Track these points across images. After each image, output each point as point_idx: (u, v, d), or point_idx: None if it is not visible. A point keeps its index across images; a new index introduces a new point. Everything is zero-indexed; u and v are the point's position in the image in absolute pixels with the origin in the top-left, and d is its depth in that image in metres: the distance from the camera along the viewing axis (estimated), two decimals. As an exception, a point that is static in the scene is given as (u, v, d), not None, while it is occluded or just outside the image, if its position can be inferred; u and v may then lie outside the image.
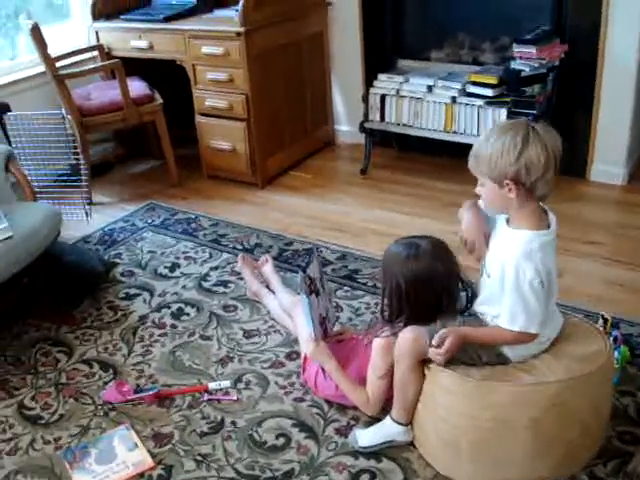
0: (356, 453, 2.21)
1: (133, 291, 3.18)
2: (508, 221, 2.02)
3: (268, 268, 3.11)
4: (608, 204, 3.75)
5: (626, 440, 2.18)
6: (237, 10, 3.79)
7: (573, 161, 3.92)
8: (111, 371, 2.68)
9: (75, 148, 3.83)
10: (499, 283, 1.98)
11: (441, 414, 2.07)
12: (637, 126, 3.88)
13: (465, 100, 3.78)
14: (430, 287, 2.12)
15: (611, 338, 2.40)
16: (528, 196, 1.92)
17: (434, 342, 2.00)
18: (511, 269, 1.92)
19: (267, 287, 3.02)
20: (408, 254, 2.12)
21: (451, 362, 2.05)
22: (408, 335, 2.09)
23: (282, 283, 3.00)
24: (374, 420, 2.30)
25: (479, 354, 2.04)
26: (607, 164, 3.87)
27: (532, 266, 1.90)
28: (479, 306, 2.13)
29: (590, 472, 2.08)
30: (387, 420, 2.23)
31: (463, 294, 2.21)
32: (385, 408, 2.26)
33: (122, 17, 4.28)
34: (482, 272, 2.11)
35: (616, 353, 2.38)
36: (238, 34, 3.77)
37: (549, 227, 1.98)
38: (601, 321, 2.49)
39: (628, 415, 2.28)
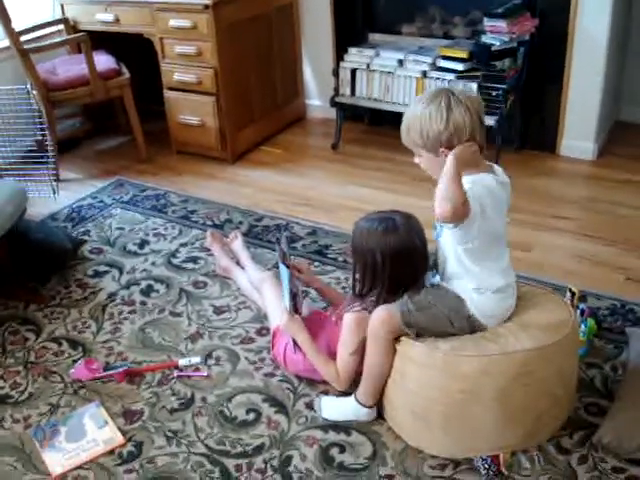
0: (326, 427, 2.22)
1: (102, 268, 3.15)
2: None
3: (238, 244, 3.09)
4: (578, 179, 3.77)
5: (592, 412, 2.21)
6: (205, -18, 3.74)
7: (543, 136, 3.95)
8: (80, 349, 2.66)
9: (41, 124, 3.76)
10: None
11: (411, 387, 2.08)
12: (607, 101, 3.90)
13: (436, 74, 3.76)
14: (408, 261, 2.12)
15: (578, 311, 2.43)
16: None
17: None
18: None
19: (237, 263, 3.01)
20: (386, 228, 2.11)
21: (421, 335, 2.07)
22: (381, 313, 2.09)
23: (252, 259, 2.98)
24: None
25: (451, 319, 2.05)
26: (577, 139, 3.89)
27: (478, 191, 1.90)
28: (441, 274, 2.15)
29: (557, 443, 2.11)
30: (352, 399, 2.23)
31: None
32: (356, 382, 2.25)
33: (88, -11, 4.20)
34: (436, 231, 2.11)
35: (583, 326, 2.41)
36: (206, 6, 3.72)
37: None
38: (569, 294, 2.51)
39: (594, 387, 2.32)
